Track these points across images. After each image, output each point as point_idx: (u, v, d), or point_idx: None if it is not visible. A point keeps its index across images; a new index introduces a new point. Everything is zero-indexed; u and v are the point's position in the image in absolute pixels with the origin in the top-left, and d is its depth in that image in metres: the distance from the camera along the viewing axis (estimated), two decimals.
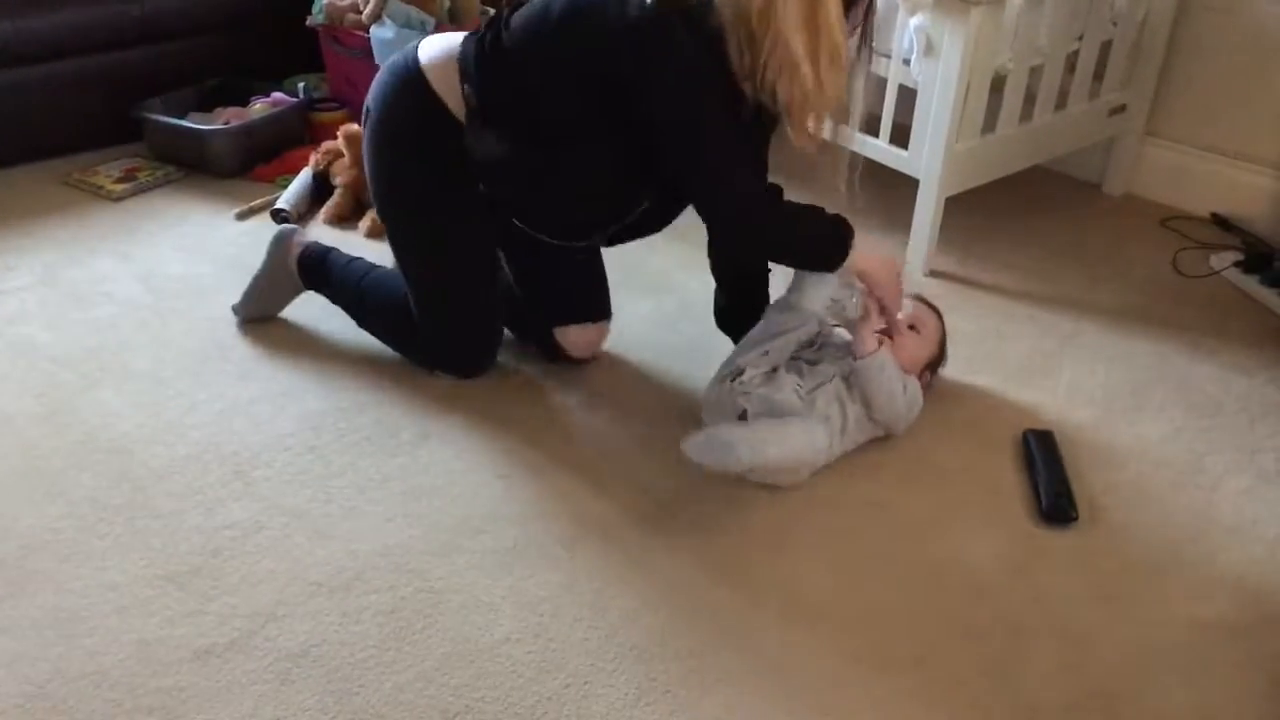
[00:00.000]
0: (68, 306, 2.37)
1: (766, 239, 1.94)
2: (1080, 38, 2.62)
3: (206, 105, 3.12)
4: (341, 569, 1.69)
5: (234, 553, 1.72)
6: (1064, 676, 1.54)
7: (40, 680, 1.49)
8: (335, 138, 2.84)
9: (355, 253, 2.26)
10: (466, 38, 1.92)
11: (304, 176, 2.83)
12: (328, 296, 2.23)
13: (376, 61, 3.03)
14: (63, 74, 2.99)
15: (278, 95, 3.15)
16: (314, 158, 2.85)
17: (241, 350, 2.22)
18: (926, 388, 2.08)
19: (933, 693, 1.51)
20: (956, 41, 2.32)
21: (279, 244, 2.25)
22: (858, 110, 2.02)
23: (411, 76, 1.92)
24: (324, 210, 2.76)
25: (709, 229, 1.97)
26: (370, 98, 1.99)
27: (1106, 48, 2.72)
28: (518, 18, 1.86)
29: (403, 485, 1.87)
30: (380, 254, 2.27)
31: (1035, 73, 2.56)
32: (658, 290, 2.45)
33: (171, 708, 1.46)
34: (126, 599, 1.63)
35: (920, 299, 2.17)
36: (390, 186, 2.01)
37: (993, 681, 1.53)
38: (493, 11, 3.22)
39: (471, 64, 1.87)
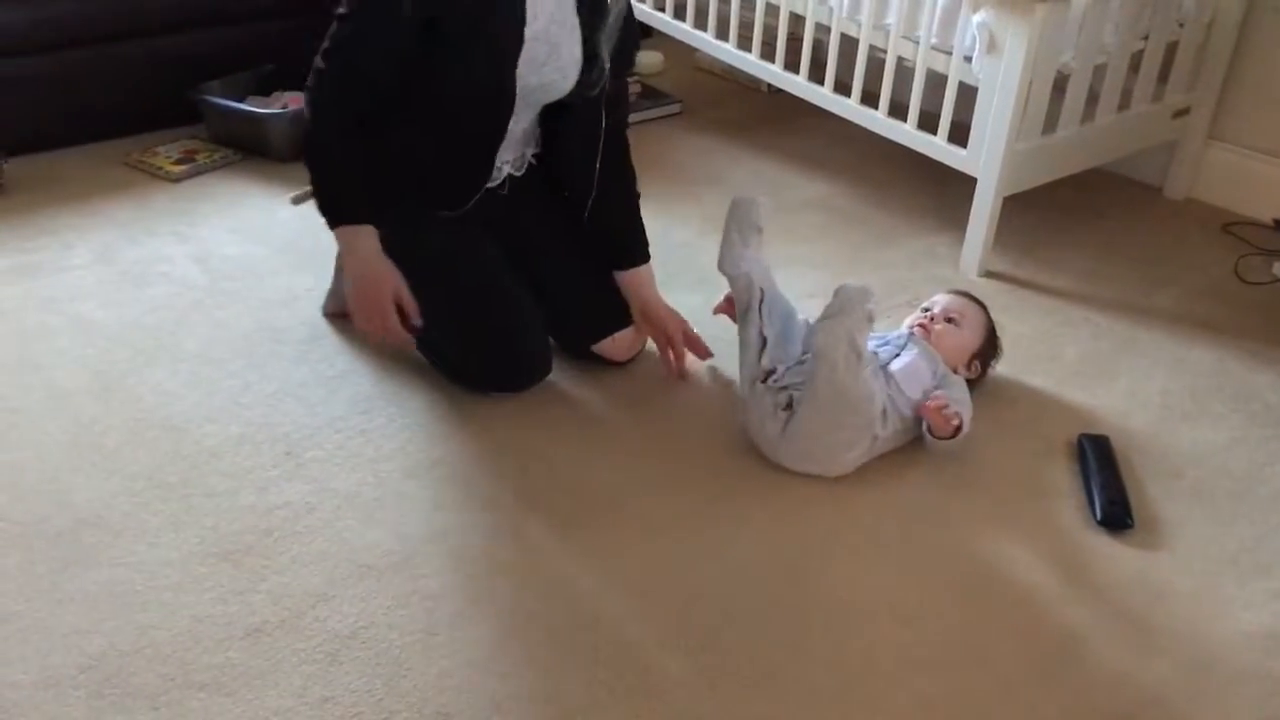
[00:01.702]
0: (125, 285, 2.40)
1: (305, 145, 2.00)
2: (1145, 38, 2.58)
3: (265, 89, 3.14)
4: (391, 552, 1.70)
5: (285, 533, 1.73)
6: (1118, 685, 1.52)
7: (94, 653, 1.51)
8: None
9: None
10: None
11: None
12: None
13: None
14: (124, 56, 3.02)
15: None
16: None
17: (295, 333, 2.23)
18: (979, 379, 2.07)
19: (983, 696, 1.50)
20: (1020, 39, 2.28)
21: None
22: None
23: None
24: None
25: None
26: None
27: (1172, 49, 2.68)
28: None
29: (452, 469, 1.87)
30: None
31: (1098, 72, 2.53)
32: (705, 284, 2.43)
33: (222, 684, 1.47)
34: (180, 575, 1.65)
35: (963, 294, 2.15)
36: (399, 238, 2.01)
37: (1045, 687, 1.51)
38: None
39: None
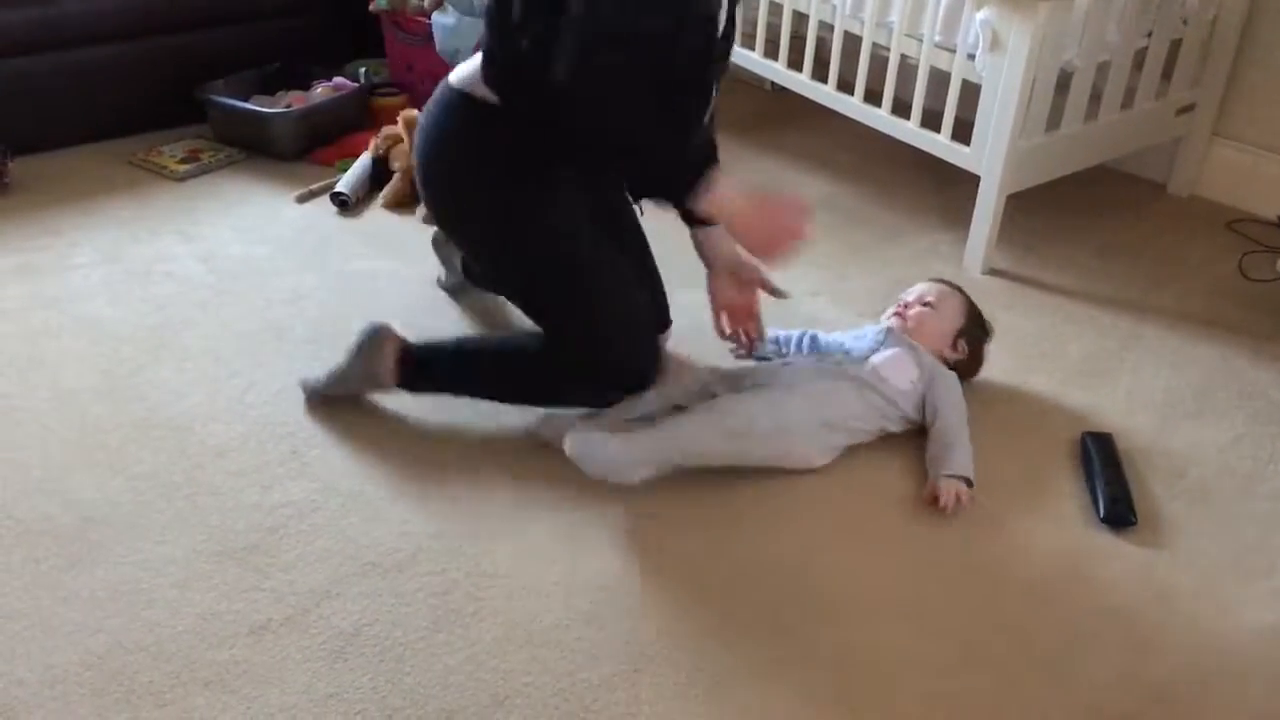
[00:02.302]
0: (130, 284, 2.40)
1: (603, 104, 1.69)
2: (1149, 35, 2.57)
3: (269, 88, 3.15)
4: (395, 550, 1.70)
5: (290, 531, 1.73)
6: (1123, 682, 1.52)
7: (99, 651, 1.52)
8: (395, 123, 2.85)
9: (412, 245, 2.24)
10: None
11: (363, 161, 2.85)
12: (440, 391, 1.98)
13: (438, 48, 3.05)
14: (129, 55, 3.03)
15: (339, 80, 3.17)
16: (374, 142, 2.86)
17: (299, 331, 2.24)
18: (971, 361, 2.08)
19: (986, 694, 1.50)
20: (1024, 37, 2.28)
21: (371, 348, 1.95)
22: None
23: (454, 100, 1.84)
24: (383, 194, 2.77)
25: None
26: (426, 163, 1.89)
27: (1176, 46, 2.67)
28: None
29: (458, 469, 1.88)
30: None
31: (1102, 70, 2.52)
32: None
33: (227, 681, 1.48)
34: (184, 573, 1.65)
35: (940, 280, 2.16)
36: (497, 223, 1.86)
37: (1049, 685, 1.51)
38: None
39: (492, 50, 1.78)
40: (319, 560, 1.68)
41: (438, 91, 1.90)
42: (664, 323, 2.09)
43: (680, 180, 1.76)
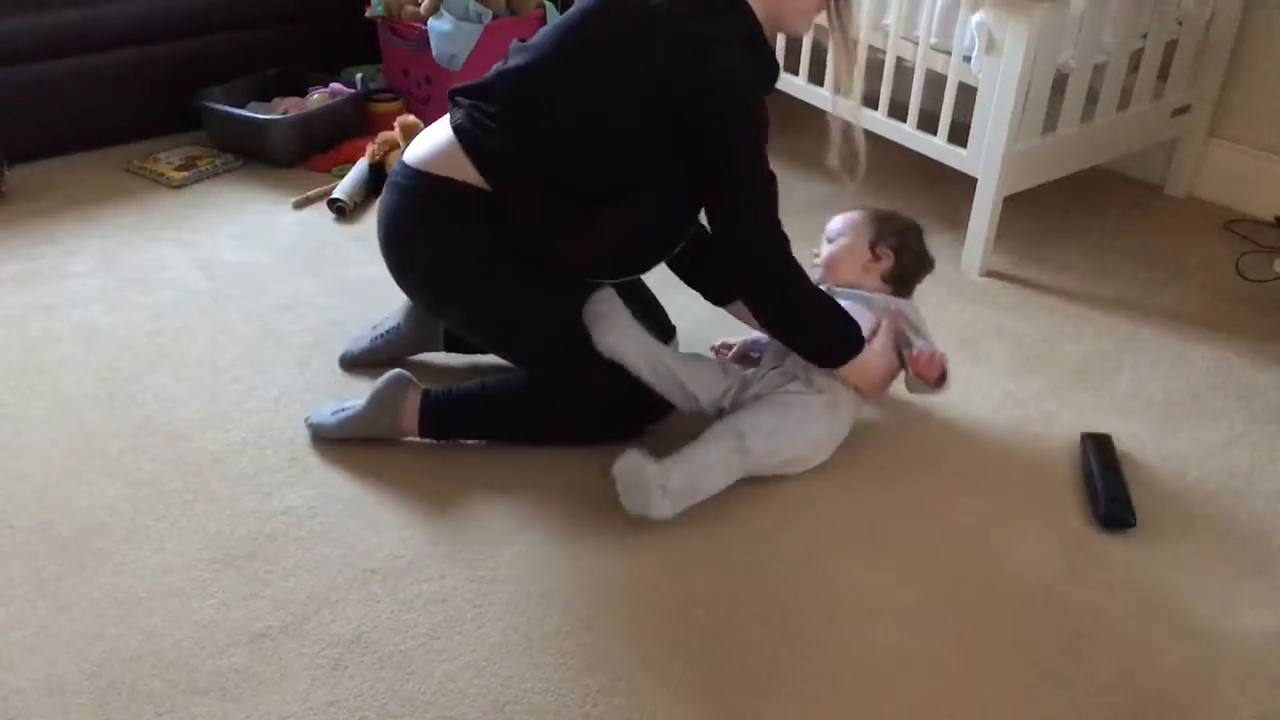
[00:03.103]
0: (128, 292, 2.40)
1: (795, 304, 1.83)
2: (1144, 37, 2.58)
3: (265, 95, 3.15)
4: (394, 557, 1.70)
5: (289, 538, 1.73)
6: (1122, 683, 1.52)
7: (97, 659, 1.52)
8: (392, 128, 2.86)
9: None
10: (453, 114, 1.84)
11: (360, 167, 2.85)
12: (465, 436, 1.95)
13: (434, 53, 3.05)
14: (126, 62, 3.03)
15: (335, 86, 3.17)
16: (370, 148, 2.87)
17: (298, 338, 2.24)
18: (908, 260, 2.00)
19: (986, 696, 1.50)
20: (1019, 39, 2.29)
21: (391, 397, 1.90)
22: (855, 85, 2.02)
23: (417, 185, 1.83)
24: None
25: (739, 281, 1.86)
26: (395, 246, 1.88)
27: (1171, 47, 2.68)
28: (521, 59, 1.80)
29: (457, 476, 1.88)
30: None
31: (1098, 71, 2.52)
32: None
33: (226, 689, 1.48)
34: (183, 581, 1.65)
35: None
36: (474, 293, 1.85)
37: (1049, 686, 1.51)
38: (549, 4, 3.23)
39: (479, 133, 1.78)
40: (318, 567, 1.68)
41: (401, 176, 1.86)
42: (667, 337, 2.07)
43: (839, 359, 1.87)
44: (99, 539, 1.73)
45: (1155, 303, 2.46)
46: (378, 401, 1.90)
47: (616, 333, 1.82)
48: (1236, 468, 1.94)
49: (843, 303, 1.89)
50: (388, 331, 2.13)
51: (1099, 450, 1.93)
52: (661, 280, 2.11)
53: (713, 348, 2.16)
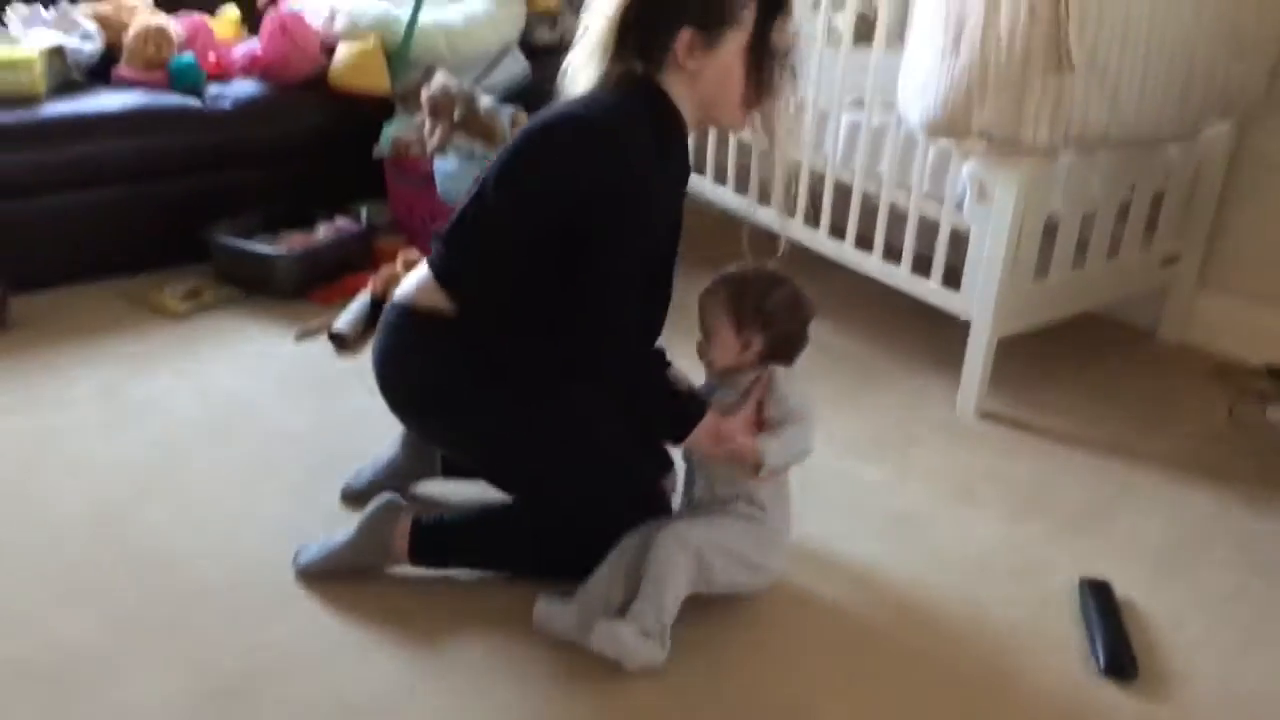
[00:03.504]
0: (126, 420, 2.40)
1: (623, 394, 1.87)
2: (1132, 188, 2.64)
3: (273, 229, 3.21)
4: (382, 694, 1.67)
5: (273, 674, 1.70)
6: None
7: None
8: (395, 262, 2.90)
9: None
10: (433, 249, 1.94)
11: (361, 299, 2.89)
12: (456, 565, 1.94)
13: (439, 191, 3.12)
14: (134, 196, 3.08)
15: (341, 221, 3.23)
16: (372, 282, 2.91)
17: (293, 470, 2.23)
18: (767, 344, 1.89)
19: None
20: (1009, 188, 2.35)
21: (381, 521, 1.91)
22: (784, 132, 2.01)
23: (403, 321, 1.92)
24: None
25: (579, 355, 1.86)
26: (386, 378, 1.94)
27: (1159, 198, 2.74)
28: (474, 187, 1.89)
29: (448, 611, 1.85)
30: None
31: (1087, 220, 2.58)
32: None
33: None
34: (167, 717, 1.61)
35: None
36: (460, 417, 1.90)
37: None
38: None
39: (441, 261, 1.89)
40: (302, 705, 1.64)
41: (390, 314, 1.96)
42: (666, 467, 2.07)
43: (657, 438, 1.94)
44: (81, 672, 1.69)
45: (1150, 447, 2.46)
46: (368, 528, 1.90)
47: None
48: (1240, 620, 1.92)
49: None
50: (388, 463, 2.14)
51: (1099, 597, 1.91)
52: None
53: None
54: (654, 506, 1.92)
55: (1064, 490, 2.29)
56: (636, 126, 1.79)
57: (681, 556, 1.76)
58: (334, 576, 1.91)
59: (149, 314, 2.92)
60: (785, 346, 1.91)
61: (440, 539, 1.92)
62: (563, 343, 1.83)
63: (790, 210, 2.55)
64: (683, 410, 1.86)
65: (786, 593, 1.93)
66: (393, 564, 1.91)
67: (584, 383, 1.88)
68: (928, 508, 2.20)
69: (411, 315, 1.91)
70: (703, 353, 1.93)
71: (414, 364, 1.92)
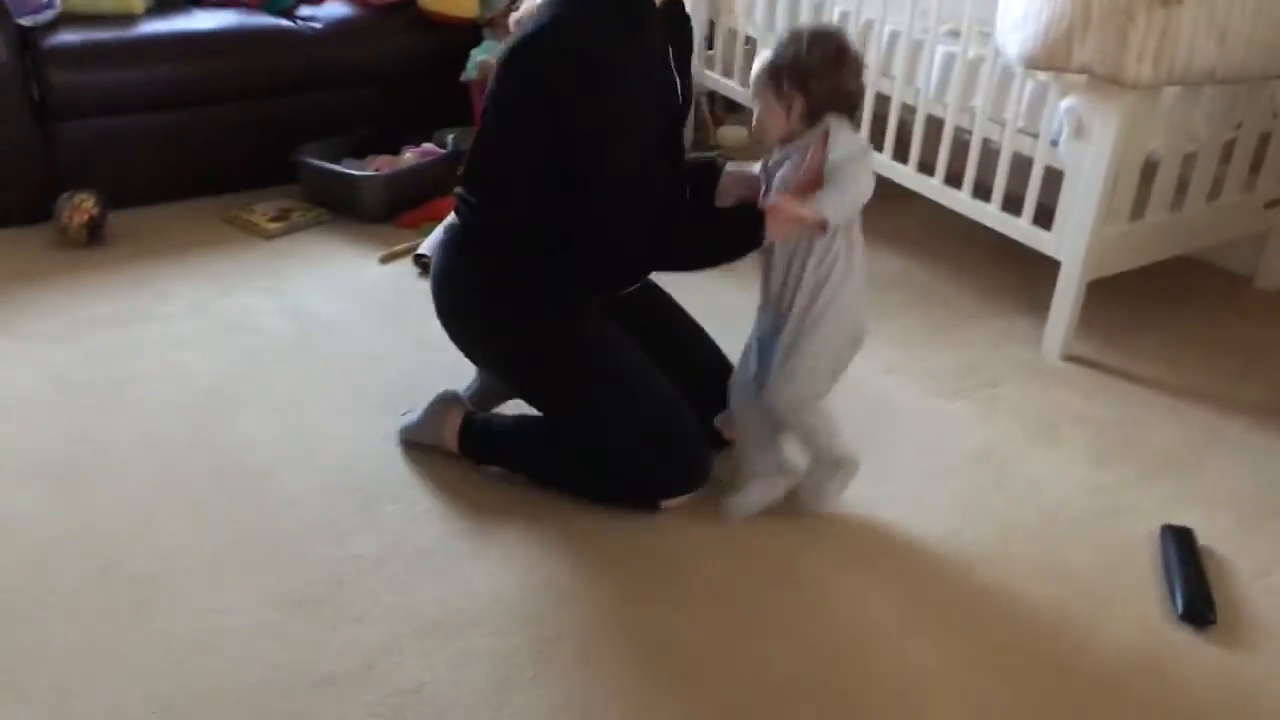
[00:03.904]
0: (217, 336, 2.47)
1: (683, 258, 1.92)
2: (1238, 127, 2.55)
3: (360, 152, 3.24)
4: (459, 609, 1.71)
5: (357, 585, 1.75)
6: None
7: (167, 696, 1.54)
8: None
9: None
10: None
11: (446, 223, 2.91)
12: (498, 464, 2.02)
13: None
14: (227, 117, 3.14)
15: (427, 146, 3.26)
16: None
17: (377, 388, 2.28)
18: (809, 98, 1.83)
19: None
20: (1108, 125, 2.28)
21: (438, 413, 2.05)
22: None
23: (446, 241, 2.02)
24: None
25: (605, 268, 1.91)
26: (436, 302, 2.01)
27: (1266, 139, 2.64)
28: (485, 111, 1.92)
29: (523, 531, 1.89)
30: None
31: (1188, 160, 2.50)
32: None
33: None
34: (254, 621, 1.67)
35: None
36: (522, 351, 1.95)
37: None
38: None
39: (463, 190, 1.96)
40: (385, 615, 1.69)
41: (445, 231, 2.03)
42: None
43: (749, 244, 1.87)
44: (176, 575, 1.76)
45: (1242, 397, 2.40)
46: (427, 415, 2.06)
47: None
48: None
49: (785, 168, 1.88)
50: (472, 386, 2.18)
51: (1179, 544, 1.88)
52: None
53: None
54: (696, 470, 1.93)
55: (1150, 435, 2.25)
56: (593, 23, 1.76)
57: (805, 414, 1.89)
58: (418, 486, 1.98)
59: (240, 233, 2.98)
60: (834, 100, 1.84)
61: (484, 438, 2.02)
62: (591, 249, 1.85)
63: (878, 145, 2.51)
64: (740, 224, 1.87)
65: (861, 523, 1.94)
66: (445, 448, 2.03)
67: (623, 280, 1.94)
68: (1010, 447, 2.18)
69: (441, 253, 2.00)
70: (759, 133, 1.91)
71: (448, 288, 1.99)
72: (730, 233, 1.88)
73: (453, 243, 1.99)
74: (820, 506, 1.96)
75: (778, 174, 1.88)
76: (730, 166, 2.05)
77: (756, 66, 1.88)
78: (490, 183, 1.93)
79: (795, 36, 1.86)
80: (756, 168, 1.97)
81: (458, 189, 1.98)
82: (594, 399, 1.91)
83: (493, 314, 1.95)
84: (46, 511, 1.89)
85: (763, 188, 1.92)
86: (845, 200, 1.80)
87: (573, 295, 1.93)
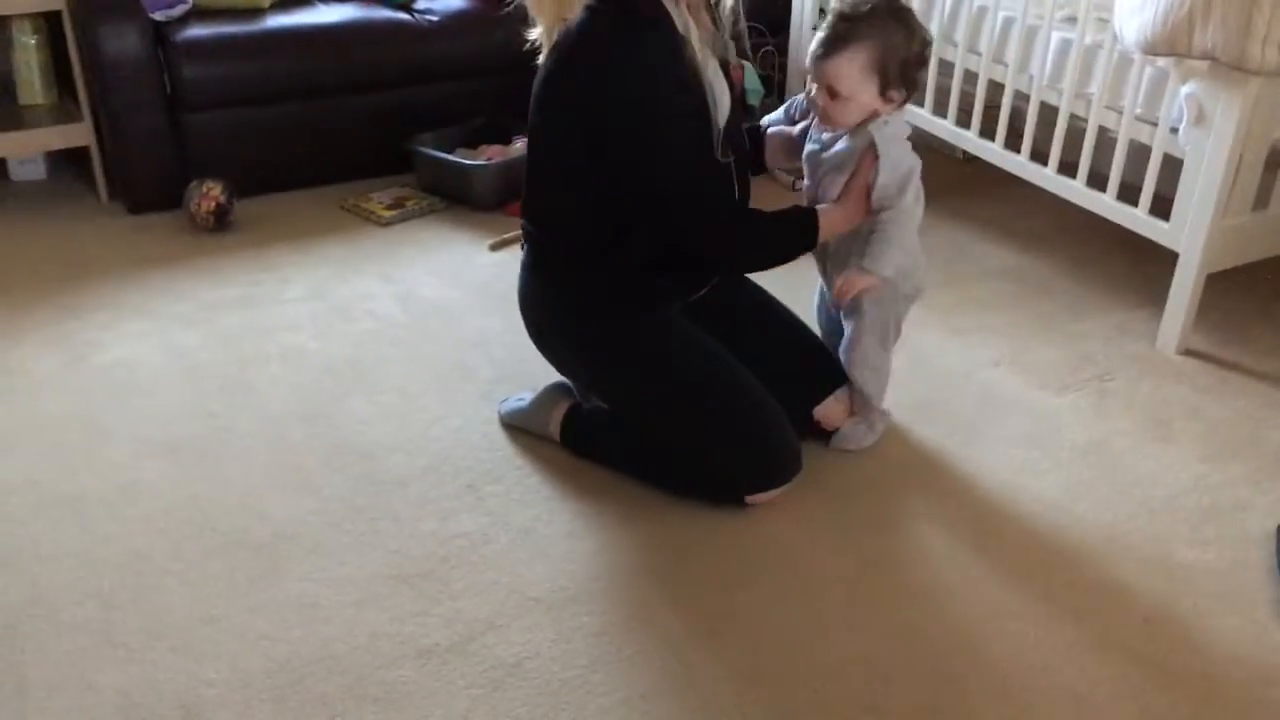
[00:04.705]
0: (333, 320, 2.56)
1: (749, 259, 1.99)
2: None
3: (472, 142, 3.31)
4: (559, 588, 1.75)
5: (461, 561, 1.81)
6: None
7: (280, 658, 1.61)
8: None
9: None
10: None
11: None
12: (598, 460, 2.05)
13: None
14: (345, 109, 3.23)
15: None
16: None
17: (483, 372, 2.33)
18: (912, 85, 1.89)
19: None
20: (1230, 113, 2.20)
21: (546, 403, 2.11)
22: None
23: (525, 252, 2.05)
24: None
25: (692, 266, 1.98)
26: (534, 330, 2.06)
27: None
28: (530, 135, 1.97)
29: (622, 514, 1.92)
30: None
31: None
32: None
33: (393, 700, 1.55)
34: (362, 593, 1.74)
35: (832, 39, 1.86)
36: (602, 367, 2.00)
37: None
38: (739, 64, 3.30)
39: (525, 225, 2.01)
40: (487, 591, 1.74)
41: (523, 252, 2.06)
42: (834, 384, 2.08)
43: (808, 244, 1.94)
44: (290, 547, 1.84)
45: None
46: (536, 403, 2.12)
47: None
48: None
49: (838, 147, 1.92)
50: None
51: None
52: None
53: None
54: (783, 468, 1.94)
55: (1267, 433, 2.17)
56: (610, 37, 1.78)
57: (867, 372, 2.04)
58: (522, 468, 2.02)
59: (356, 220, 3.07)
60: (914, 80, 1.90)
61: (585, 432, 2.05)
62: (672, 252, 1.90)
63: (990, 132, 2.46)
64: (799, 224, 1.92)
65: (967, 514, 1.92)
66: (549, 438, 2.08)
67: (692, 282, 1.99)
68: (1120, 441, 2.14)
69: (526, 259, 2.04)
70: (827, 116, 1.89)
71: (528, 310, 2.06)
72: (787, 235, 1.94)
73: (528, 265, 2.03)
74: (849, 446, 2.08)
75: (821, 167, 1.92)
76: (771, 129, 2.08)
77: (845, 58, 1.82)
78: (548, 211, 1.98)
79: (902, 17, 1.84)
80: (796, 130, 2.02)
81: (522, 221, 2.03)
82: (678, 406, 1.94)
83: (570, 331, 2.01)
84: (173, 483, 1.99)
85: (804, 169, 1.98)
86: (897, 178, 1.86)
87: (649, 305, 1.96)
